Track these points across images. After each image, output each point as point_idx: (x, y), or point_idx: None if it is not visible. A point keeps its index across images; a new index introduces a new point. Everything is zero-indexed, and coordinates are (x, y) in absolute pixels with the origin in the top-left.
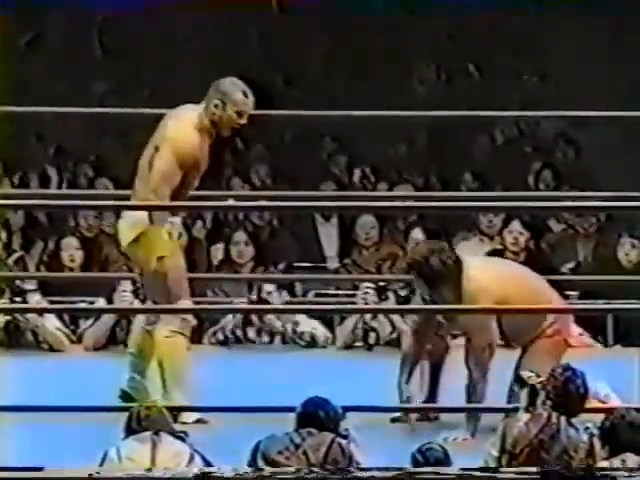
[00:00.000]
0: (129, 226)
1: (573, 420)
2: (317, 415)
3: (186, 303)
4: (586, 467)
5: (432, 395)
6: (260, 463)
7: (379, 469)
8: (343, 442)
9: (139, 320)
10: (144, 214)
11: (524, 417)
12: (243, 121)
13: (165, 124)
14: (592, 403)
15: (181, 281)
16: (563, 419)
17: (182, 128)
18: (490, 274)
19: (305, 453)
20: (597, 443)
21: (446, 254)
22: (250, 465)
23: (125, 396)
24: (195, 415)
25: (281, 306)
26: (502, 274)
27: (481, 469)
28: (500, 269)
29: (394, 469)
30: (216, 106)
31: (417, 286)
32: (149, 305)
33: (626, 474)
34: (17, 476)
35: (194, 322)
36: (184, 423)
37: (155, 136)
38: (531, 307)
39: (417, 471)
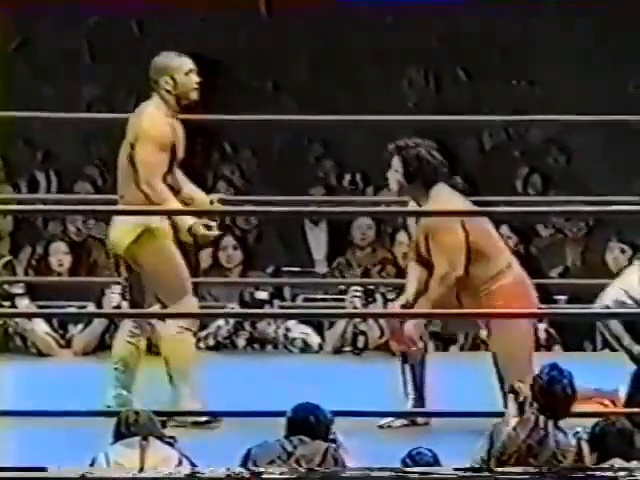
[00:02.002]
0: (128, 228)
1: (562, 424)
2: (308, 421)
3: (191, 301)
4: (575, 467)
5: (420, 398)
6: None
7: (371, 469)
8: (336, 452)
9: (123, 333)
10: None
11: (512, 421)
12: (196, 78)
13: (131, 124)
14: (593, 402)
15: (185, 278)
16: (551, 423)
17: (152, 117)
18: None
19: (298, 462)
20: (586, 447)
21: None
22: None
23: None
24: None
25: (276, 311)
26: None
27: (473, 469)
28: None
29: (387, 469)
30: (166, 82)
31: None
32: (139, 310)
33: (612, 474)
34: (17, 476)
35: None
36: (196, 423)
37: (126, 137)
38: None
39: (409, 471)
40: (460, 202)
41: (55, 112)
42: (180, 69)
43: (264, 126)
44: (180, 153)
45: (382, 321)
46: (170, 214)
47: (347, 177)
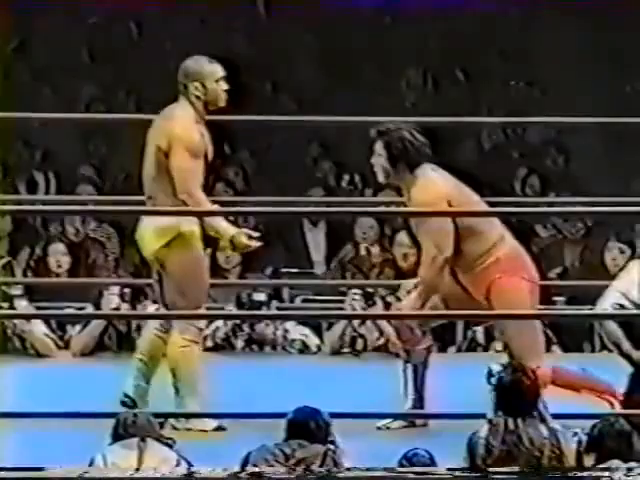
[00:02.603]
0: (159, 231)
1: (559, 423)
2: (308, 426)
3: (202, 311)
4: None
5: (419, 400)
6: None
7: (366, 469)
8: (335, 454)
9: (151, 326)
10: (173, 218)
11: (483, 430)
12: (225, 85)
13: (160, 128)
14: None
15: (203, 289)
16: (520, 422)
17: (184, 123)
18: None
19: (297, 465)
20: (565, 442)
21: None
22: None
23: (129, 401)
24: (214, 422)
25: (274, 312)
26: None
27: (467, 469)
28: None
29: (382, 469)
30: (196, 88)
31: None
32: (139, 312)
33: (607, 474)
34: (17, 476)
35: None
36: (203, 431)
37: (152, 142)
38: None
39: (404, 471)
40: (446, 179)
41: (54, 112)
42: (212, 76)
43: (263, 127)
44: (209, 160)
45: (381, 323)
46: (174, 214)
47: (346, 178)
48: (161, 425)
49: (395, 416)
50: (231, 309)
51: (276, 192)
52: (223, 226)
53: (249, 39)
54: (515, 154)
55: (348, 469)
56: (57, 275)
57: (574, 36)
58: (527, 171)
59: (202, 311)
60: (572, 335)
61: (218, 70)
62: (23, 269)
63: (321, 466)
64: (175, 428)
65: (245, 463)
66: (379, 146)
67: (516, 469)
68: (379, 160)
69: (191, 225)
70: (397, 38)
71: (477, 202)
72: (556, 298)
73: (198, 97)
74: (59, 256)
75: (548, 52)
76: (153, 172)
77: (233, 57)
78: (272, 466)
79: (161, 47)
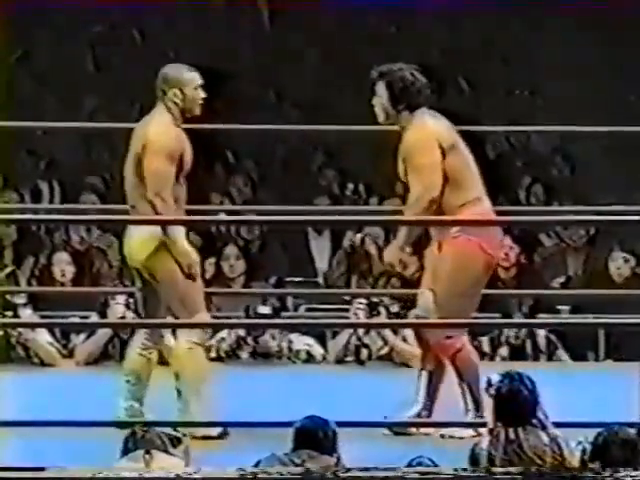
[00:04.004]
0: (145, 240)
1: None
2: (316, 435)
3: (204, 317)
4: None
5: (429, 408)
6: None
7: (370, 469)
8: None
9: (135, 345)
10: (156, 227)
11: (484, 442)
12: (202, 94)
13: (137, 135)
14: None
15: (199, 292)
16: (520, 431)
17: (159, 128)
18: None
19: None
20: (567, 448)
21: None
22: None
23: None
24: (217, 429)
25: (278, 321)
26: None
27: (474, 469)
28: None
29: (386, 470)
30: (175, 95)
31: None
32: (143, 320)
33: (607, 474)
34: (17, 476)
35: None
36: (207, 437)
37: (132, 149)
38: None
39: (408, 471)
40: (439, 121)
41: (57, 121)
42: (191, 83)
43: (267, 136)
44: (187, 164)
45: (385, 332)
46: (170, 223)
47: (350, 186)
48: (178, 439)
49: (400, 425)
50: (239, 316)
51: (280, 201)
52: (179, 243)
53: (253, 48)
54: (519, 163)
55: (350, 469)
56: (61, 284)
57: (576, 45)
58: (531, 180)
59: (206, 319)
60: (576, 344)
61: (197, 77)
62: (27, 278)
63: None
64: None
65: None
66: (380, 87)
67: (520, 470)
68: (380, 100)
69: (176, 234)
70: (400, 47)
71: (466, 153)
72: (560, 307)
73: (176, 103)
74: (63, 265)
75: (551, 62)
76: (133, 180)
77: (236, 66)
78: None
79: (164, 56)
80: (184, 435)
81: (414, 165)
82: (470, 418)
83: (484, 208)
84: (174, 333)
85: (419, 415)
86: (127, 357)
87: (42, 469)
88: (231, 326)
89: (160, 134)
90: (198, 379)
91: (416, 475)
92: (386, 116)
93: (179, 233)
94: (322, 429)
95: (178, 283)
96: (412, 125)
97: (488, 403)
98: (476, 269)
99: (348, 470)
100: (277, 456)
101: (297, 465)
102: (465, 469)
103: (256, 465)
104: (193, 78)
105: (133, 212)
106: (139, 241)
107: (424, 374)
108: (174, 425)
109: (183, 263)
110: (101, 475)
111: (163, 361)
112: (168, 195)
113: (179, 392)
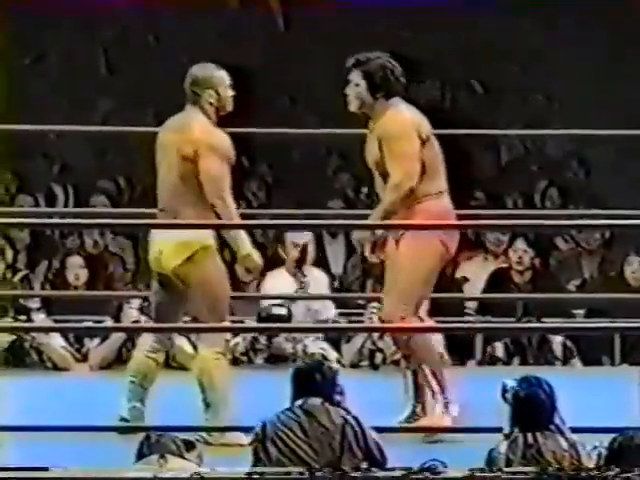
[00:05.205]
0: (183, 243)
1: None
2: (313, 379)
3: (227, 324)
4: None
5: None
6: (269, 445)
7: (384, 469)
8: (353, 423)
9: (142, 347)
10: (194, 232)
11: (502, 447)
12: (232, 92)
13: (178, 140)
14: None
15: (227, 300)
16: (539, 435)
17: (209, 129)
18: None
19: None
20: (585, 454)
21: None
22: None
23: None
24: (249, 437)
25: (291, 325)
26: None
27: (485, 470)
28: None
29: (400, 469)
30: (210, 95)
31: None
32: (154, 325)
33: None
34: (18, 476)
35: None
36: (241, 445)
37: (171, 154)
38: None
39: (416, 470)
40: (419, 116)
41: (71, 125)
42: (223, 82)
43: (281, 140)
44: (233, 164)
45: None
46: (182, 228)
47: (364, 190)
48: (191, 444)
49: (416, 431)
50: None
51: (295, 205)
52: (243, 241)
53: (267, 52)
54: (534, 167)
55: (360, 469)
56: (75, 288)
57: (592, 49)
58: (547, 183)
59: (225, 324)
60: (592, 348)
61: (226, 76)
62: (41, 282)
63: (341, 440)
64: (208, 443)
65: (263, 437)
66: (356, 75)
67: (530, 469)
68: (356, 89)
69: (212, 238)
70: (415, 50)
71: (438, 146)
72: (575, 311)
73: (211, 104)
74: (77, 269)
75: (566, 65)
76: (179, 184)
77: (251, 70)
78: (290, 438)
79: (178, 60)
80: (210, 444)
81: (396, 152)
82: (440, 403)
83: (445, 203)
84: (189, 339)
85: (414, 413)
86: (134, 357)
87: (45, 469)
88: (247, 330)
89: (212, 136)
90: (226, 389)
91: (430, 475)
92: (360, 104)
93: (245, 236)
94: (319, 371)
95: (212, 290)
96: (389, 113)
97: (503, 409)
98: (433, 258)
99: (356, 470)
100: (281, 418)
101: (305, 430)
102: (474, 469)
103: (263, 427)
104: (223, 77)
105: (163, 216)
106: (177, 246)
107: (409, 373)
108: (202, 430)
109: (250, 266)
110: (106, 476)
111: (170, 363)
112: (228, 195)
113: (207, 405)
